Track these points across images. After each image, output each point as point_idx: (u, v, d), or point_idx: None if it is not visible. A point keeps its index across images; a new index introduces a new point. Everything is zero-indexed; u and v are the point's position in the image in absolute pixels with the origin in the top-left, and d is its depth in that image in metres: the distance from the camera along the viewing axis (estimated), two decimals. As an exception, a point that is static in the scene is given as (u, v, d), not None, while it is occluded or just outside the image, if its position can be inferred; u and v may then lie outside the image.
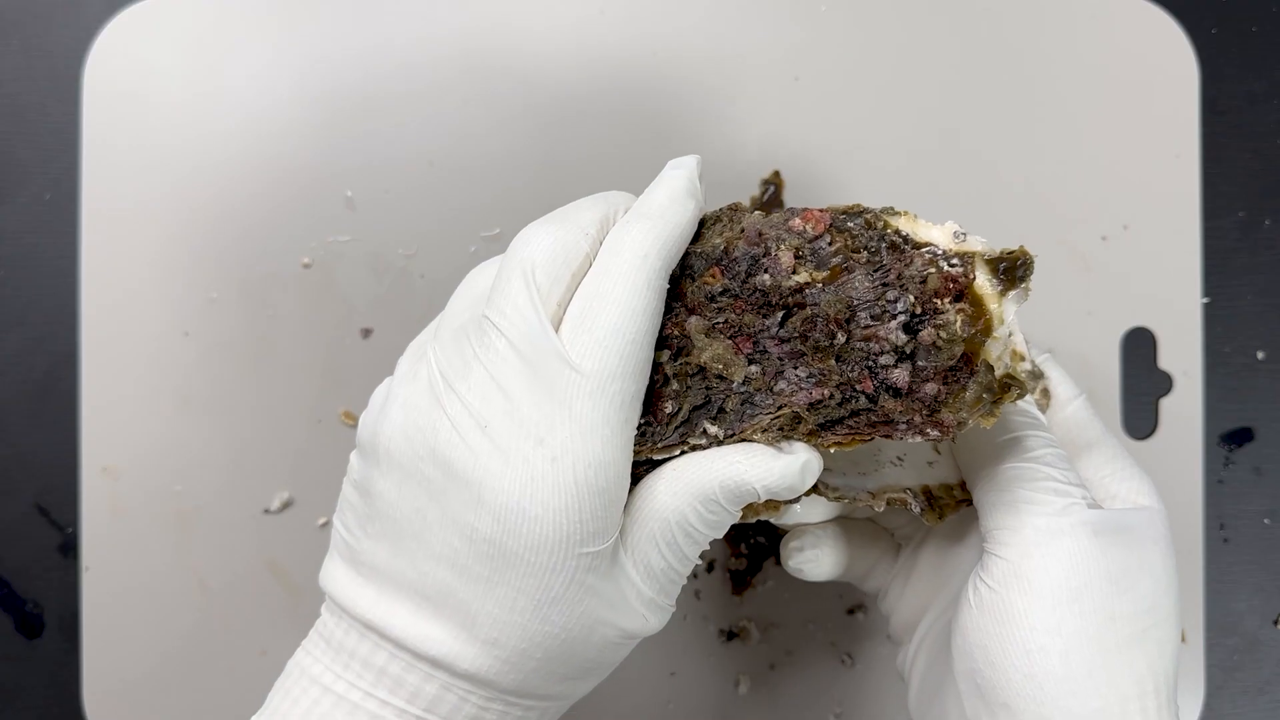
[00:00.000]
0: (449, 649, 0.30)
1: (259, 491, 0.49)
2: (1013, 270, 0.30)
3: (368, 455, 0.32)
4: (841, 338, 0.30)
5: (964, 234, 0.31)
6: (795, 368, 0.31)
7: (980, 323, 0.30)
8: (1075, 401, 0.37)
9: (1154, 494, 0.35)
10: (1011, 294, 0.30)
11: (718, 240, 0.32)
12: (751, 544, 0.50)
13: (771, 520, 0.36)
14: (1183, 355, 0.50)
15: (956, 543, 0.38)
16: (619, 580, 0.31)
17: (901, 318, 0.30)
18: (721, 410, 0.31)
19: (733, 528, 0.49)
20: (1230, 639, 0.50)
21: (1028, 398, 0.36)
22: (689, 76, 0.50)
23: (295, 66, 0.49)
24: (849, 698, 0.50)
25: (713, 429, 0.31)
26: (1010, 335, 0.30)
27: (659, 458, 0.31)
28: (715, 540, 0.45)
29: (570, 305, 0.30)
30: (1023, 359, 0.31)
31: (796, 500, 0.33)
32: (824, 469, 0.34)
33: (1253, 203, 0.51)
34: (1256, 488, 0.50)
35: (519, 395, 0.29)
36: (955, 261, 0.30)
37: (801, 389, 0.30)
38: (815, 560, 0.38)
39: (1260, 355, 0.51)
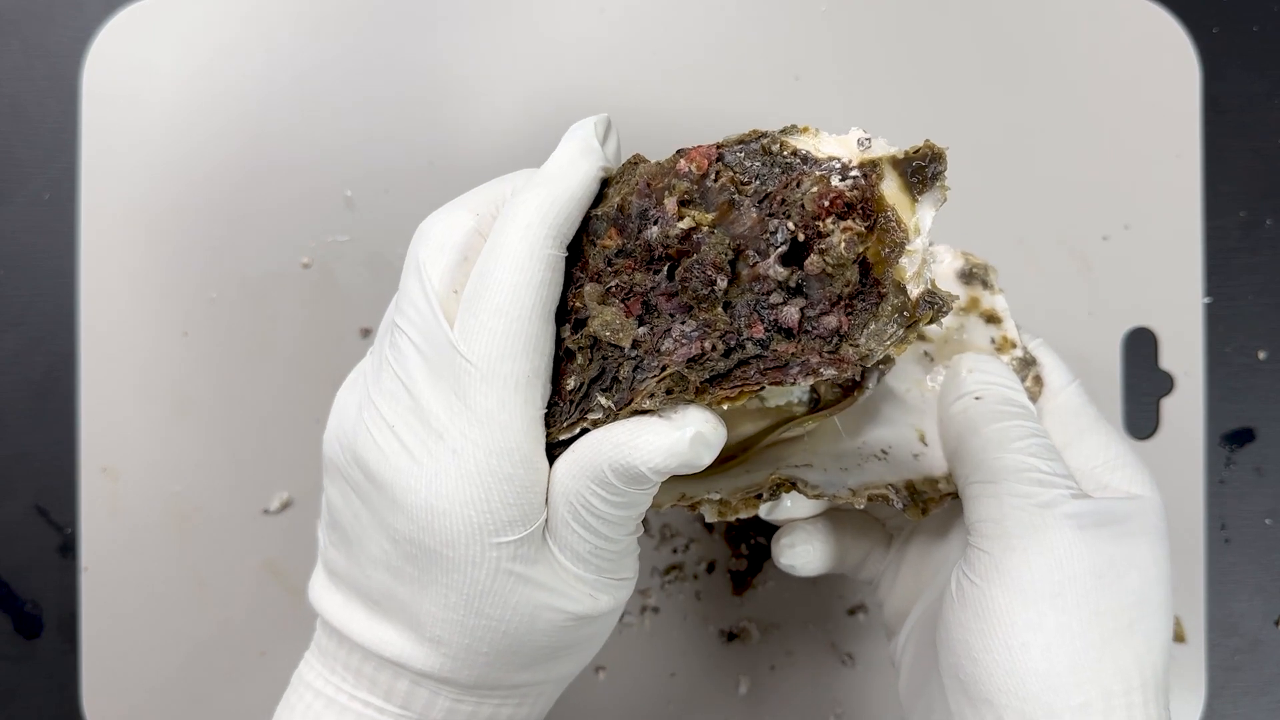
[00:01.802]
0: (401, 650, 0.31)
1: (258, 492, 0.49)
2: (923, 170, 0.27)
3: (323, 463, 0.33)
4: (723, 282, 0.27)
5: (869, 140, 0.28)
6: (683, 323, 0.28)
7: (890, 237, 0.27)
8: (1069, 388, 0.36)
9: (1149, 482, 0.34)
10: (926, 197, 0.27)
11: (616, 199, 0.30)
12: (752, 544, 0.49)
13: (760, 516, 0.36)
14: (1184, 355, 0.50)
15: (943, 535, 0.37)
16: (551, 565, 0.30)
17: (781, 248, 0.27)
18: (615, 380, 0.29)
19: (731, 528, 0.49)
20: (1231, 639, 0.50)
21: (1015, 384, 0.35)
22: (689, 76, 0.50)
23: (294, 66, 0.49)
24: (849, 698, 0.50)
25: (605, 401, 0.29)
26: (929, 246, 0.27)
27: (564, 438, 0.30)
28: (716, 540, 0.44)
29: (464, 290, 0.29)
30: (944, 298, 0.28)
31: (696, 471, 0.31)
32: (805, 465, 0.34)
33: (1254, 202, 0.51)
34: (1258, 488, 0.50)
35: (422, 392, 0.29)
36: (855, 173, 0.27)
37: (682, 345, 0.28)
38: (806, 555, 0.37)
39: (1261, 355, 0.51)
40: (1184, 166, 0.50)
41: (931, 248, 0.32)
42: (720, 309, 0.28)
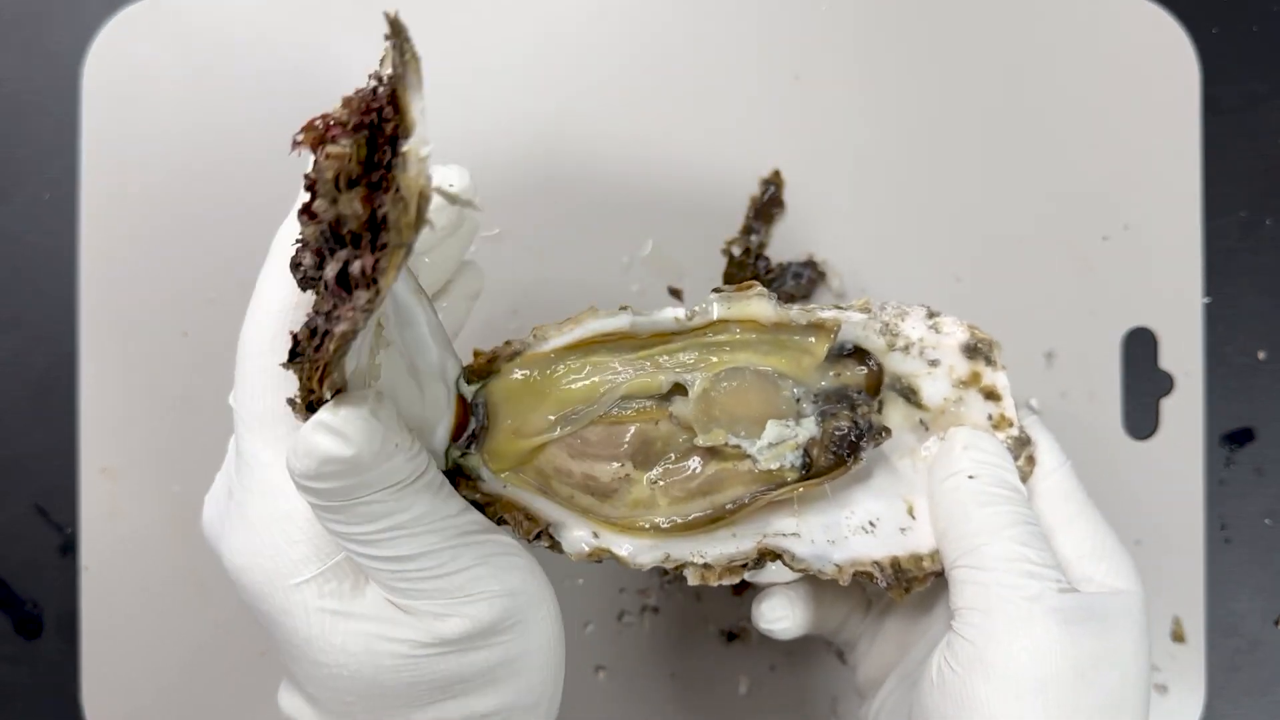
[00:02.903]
0: (302, 714, 0.31)
1: (258, 492, 0.49)
2: (403, 48, 0.24)
3: None
4: (314, 262, 0.26)
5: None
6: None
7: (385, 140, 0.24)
8: (1059, 471, 0.36)
9: (1133, 574, 0.34)
10: (413, 83, 0.24)
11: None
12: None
13: (746, 579, 0.36)
14: (1184, 355, 0.50)
15: (925, 610, 0.37)
16: (377, 594, 0.29)
17: (300, 208, 0.26)
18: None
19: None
20: (1231, 639, 0.50)
21: (1010, 465, 0.35)
22: (689, 75, 0.50)
23: (294, 65, 0.49)
24: (848, 697, 0.50)
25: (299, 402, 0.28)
26: (427, 149, 0.23)
27: None
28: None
29: None
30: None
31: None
32: (793, 535, 0.34)
33: (1254, 202, 0.51)
34: (1258, 488, 0.50)
35: (229, 457, 0.31)
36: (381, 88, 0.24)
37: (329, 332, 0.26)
38: (786, 619, 0.37)
39: (1261, 355, 0.51)
40: (1184, 166, 0.50)
41: (941, 318, 0.34)
42: (323, 289, 0.26)
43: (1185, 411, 0.50)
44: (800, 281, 0.49)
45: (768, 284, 0.49)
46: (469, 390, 0.35)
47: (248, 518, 0.29)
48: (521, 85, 0.49)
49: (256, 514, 0.29)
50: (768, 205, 0.50)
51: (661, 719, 0.49)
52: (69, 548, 0.49)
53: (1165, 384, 0.50)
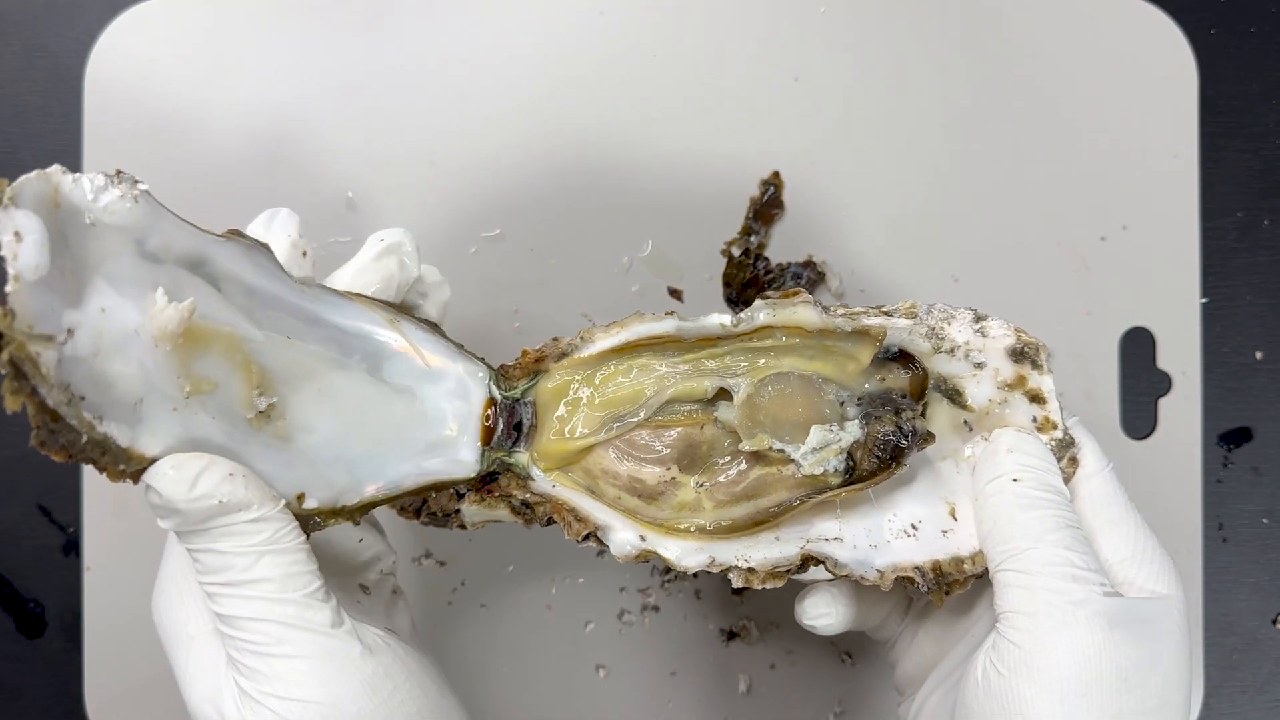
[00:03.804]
0: None
1: (260, 491, 0.49)
2: None
3: None
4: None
5: None
6: None
7: None
8: (1102, 474, 0.35)
9: (1174, 579, 0.34)
10: None
11: None
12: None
13: (792, 579, 0.36)
14: (1181, 355, 0.50)
15: (964, 612, 0.37)
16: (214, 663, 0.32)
17: None
18: None
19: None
20: (1229, 638, 0.50)
21: (1054, 468, 0.35)
22: (688, 76, 0.50)
23: (296, 67, 0.49)
24: (849, 696, 0.50)
25: None
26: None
27: None
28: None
29: None
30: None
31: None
32: (835, 540, 0.35)
33: (1251, 203, 0.51)
34: (1255, 487, 0.50)
35: None
36: None
37: None
38: (828, 616, 0.37)
39: (1258, 355, 0.51)
40: (1181, 167, 0.50)
41: (988, 321, 0.35)
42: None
43: (1183, 411, 0.50)
44: (800, 282, 0.49)
45: (767, 285, 0.49)
46: (512, 392, 0.36)
47: (160, 576, 0.33)
48: (520, 85, 0.49)
49: (165, 572, 0.33)
50: (767, 206, 0.50)
51: (662, 718, 0.49)
52: (72, 547, 0.49)
53: (1163, 383, 0.50)
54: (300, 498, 0.33)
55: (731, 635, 0.50)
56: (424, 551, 0.49)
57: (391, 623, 0.37)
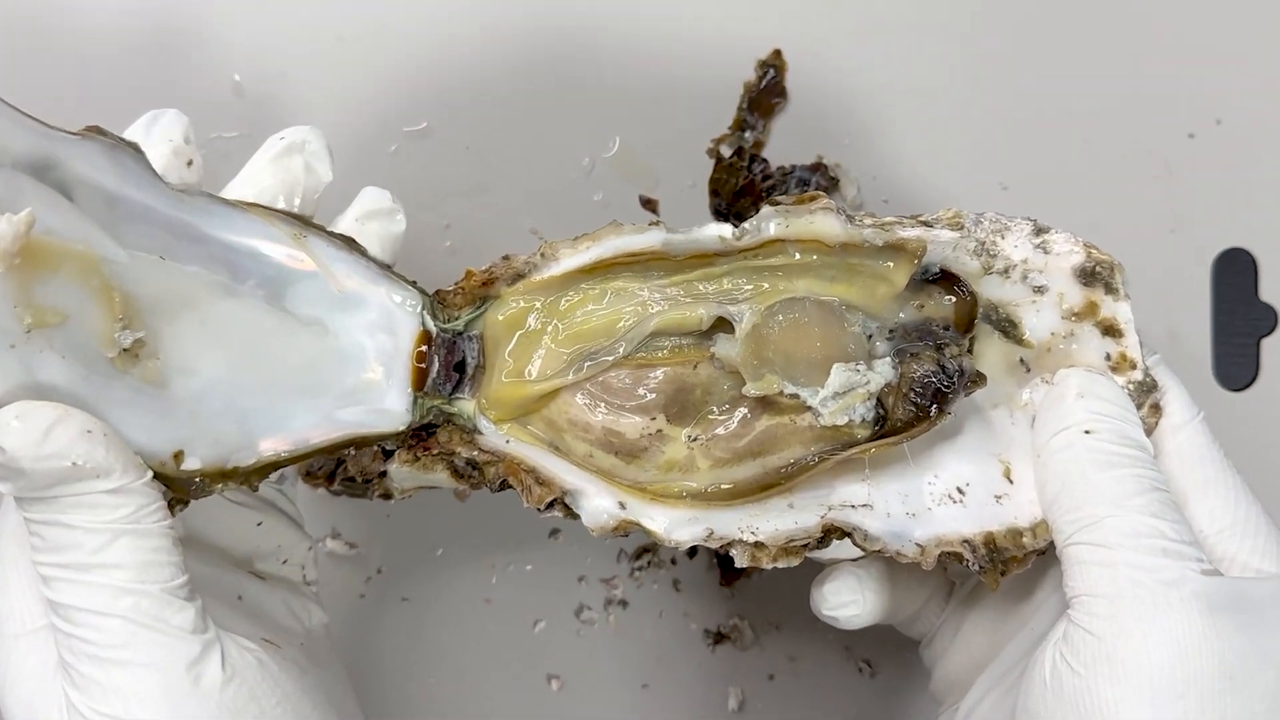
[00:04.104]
0: None
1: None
2: None
3: None
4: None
5: None
6: None
7: None
8: (1191, 424, 0.34)
9: None
10: None
11: None
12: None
13: (809, 556, 0.35)
14: (1290, 283, 0.47)
15: (1022, 598, 0.36)
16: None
17: None
18: None
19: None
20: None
21: (1135, 417, 0.33)
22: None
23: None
24: (867, 716, 0.47)
25: None
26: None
27: None
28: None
29: None
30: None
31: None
32: (864, 506, 0.34)
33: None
34: (1379, 449, 0.47)
35: None
36: None
37: None
38: (854, 606, 0.36)
39: (1385, 286, 0.47)
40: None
41: (1052, 235, 0.34)
42: None
43: (1291, 355, 0.46)
44: (806, 190, 0.44)
45: (765, 194, 0.47)
46: (452, 324, 0.34)
47: None
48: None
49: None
50: (766, 94, 0.48)
51: (632, 742, 0.48)
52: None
53: (1267, 320, 0.47)
54: (178, 456, 0.31)
55: (719, 638, 0.47)
56: (330, 530, 0.47)
57: (286, 626, 0.36)
